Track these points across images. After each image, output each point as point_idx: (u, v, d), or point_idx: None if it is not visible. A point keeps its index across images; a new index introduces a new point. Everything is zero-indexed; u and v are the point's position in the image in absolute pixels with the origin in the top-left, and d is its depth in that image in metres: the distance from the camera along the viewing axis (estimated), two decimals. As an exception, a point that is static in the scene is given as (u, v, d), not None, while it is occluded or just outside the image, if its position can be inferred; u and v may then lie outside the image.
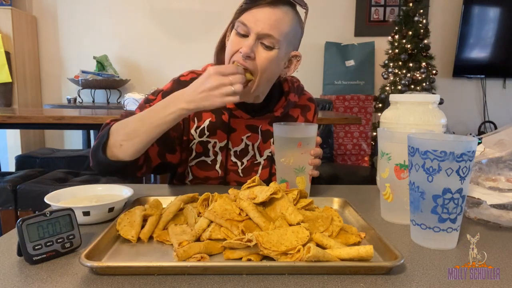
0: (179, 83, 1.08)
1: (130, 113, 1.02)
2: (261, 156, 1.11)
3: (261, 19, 0.92)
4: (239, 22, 0.95)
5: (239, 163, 1.10)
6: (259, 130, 1.11)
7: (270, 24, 0.92)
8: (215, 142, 1.08)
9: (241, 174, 1.11)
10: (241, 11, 0.97)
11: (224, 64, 1.04)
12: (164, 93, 1.07)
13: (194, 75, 1.10)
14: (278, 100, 1.12)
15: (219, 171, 1.09)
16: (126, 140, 0.90)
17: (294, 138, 0.92)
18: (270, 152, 1.11)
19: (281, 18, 0.94)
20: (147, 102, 1.07)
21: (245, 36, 0.95)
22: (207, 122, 1.09)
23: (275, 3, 0.93)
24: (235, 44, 0.96)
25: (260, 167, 1.12)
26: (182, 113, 0.87)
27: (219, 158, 1.09)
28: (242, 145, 1.10)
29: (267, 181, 1.11)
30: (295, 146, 0.91)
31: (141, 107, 1.05)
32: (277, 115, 1.10)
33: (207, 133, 1.08)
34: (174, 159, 1.09)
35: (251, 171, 1.11)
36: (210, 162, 1.09)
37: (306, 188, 0.95)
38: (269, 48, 0.94)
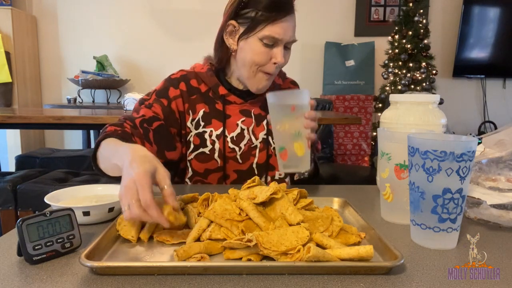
0: (170, 81, 1.14)
1: (129, 117, 1.05)
2: (256, 139, 1.14)
3: (287, 28, 1.01)
4: (265, 35, 1.00)
5: (237, 149, 1.12)
6: (252, 114, 1.15)
7: (294, 31, 1.04)
8: (211, 131, 1.11)
9: (240, 161, 1.13)
10: (260, 21, 1.00)
11: (223, 60, 1.12)
12: (158, 92, 1.12)
13: (183, 72, 1.17)
14: None
15: (218, 160, 1.11)
16: (105, 167, 0.88)
17: (287, 103, 0.93)
18: (265, 135, 1.14)
19: (295, 21, 1.04)
20: (142, 103, 1.10)
21: (272, 43, 1.02)
22: (201, 113, 1.12)
23: (292, 7, 1.03)
24: (264, 54, 1.03)
25: (257, 151, 1.14)
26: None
27: (217, 146, 1.11)
28: (238, 130, 1.13)
29: (265, 165, 1.14)
30: (289, 111, 0.92)
31: (137, 109, 1.08)
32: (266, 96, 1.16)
33: (202, 123, 1.12)
34: (175, 156, 1.11)
35: (249, 155, 1.13)
36: (208, 152, 1.11)
37: (306, 153, 0.94)
38: (289, 48, 1.07)
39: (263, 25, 1.00)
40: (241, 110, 1.14)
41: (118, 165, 0.74)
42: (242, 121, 1.13)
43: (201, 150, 1.11)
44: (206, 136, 1.11)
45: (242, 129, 1.13)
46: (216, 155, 1.11)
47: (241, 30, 1.05)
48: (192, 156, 1.12)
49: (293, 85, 1.28)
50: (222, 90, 1.12)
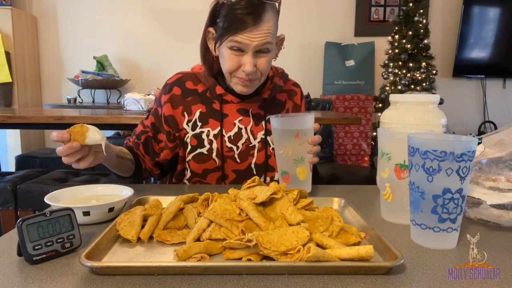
0: (164, 87, 1.16)
1: (134, 132, 1.17)
2: (255, 138, 1.14)
3: (253, 37, 0.98)
4: (232, 42, 0.99)
5: (234, 148, 1.12)
6: (250, 113, 1.15)
7: (262, 38, 0.98)
8: (209, 131, 1.12)
9: (238, 160, 1.12)
10: (225, 32, 0.99)
11: (213, 65, 1.13)
12: (157, 101, 1.17)
13: (179, 75, 1.18)
14: (264, 84, 1.18)
15: (216, 160, 1.11)
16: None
17: (291, 130, 0.93)
18: (264, 135, 1.14)
19: (267, 26, 0.99)
20: (148, 111, 1.18)
21: (240, 50, 1.00)
22: (197, 114, 1.13)
23: (257, 20, 0.97)
24: (233, 61, 1.02)
25: (256, 150, 1.14)
26: None
27: (214, 146, 1.11)
28: (235, 129, 1.13)
29: (264, 164, 1.14)
30: (293, 138, 0.92)
31: (142, 121, 1.17)
32: (265, 97, 1.16)
33: (199, 124, 1.13)
34: (161, 160, 1.16)
35: (248, 155, 1.13)
36: (206, 152, 1.11)
37: (307, 177, 0.95)
38: (265, 54, 1.02)
39: (228, 34, 0.99)
40: (238, 109, 1.14)
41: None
42: (239, 120, 1.13)
43: (198, 150, 1.11)
44: (204, 136, 1.11)
45: (240, 128, 1.13)
46: (214, 154, 1.11)
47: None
48: (190, 157, 1.12)
49: (295, 87, 1.26)
50: (219, 90, 1.12)
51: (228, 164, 1.12)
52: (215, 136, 1.11)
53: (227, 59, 1.03)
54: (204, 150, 1.11)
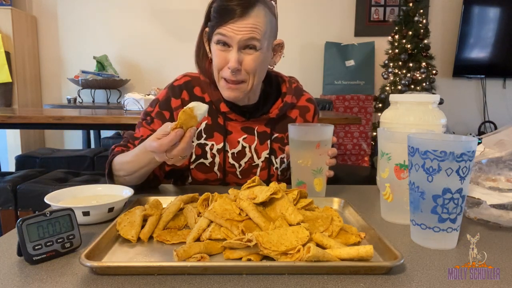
0: (173, 89, 1.10)
1: (131, 137, 1.09)
2: (258, 158, 1.11)
3: (238, 29, 0.95)
4: (218, 35, 0.97)
5: (237, 165, 1.10)
6: (255, 132, 1.11)
7: (247, 32, 0.95)
8: (213, 145, 1.09)
9: (239, 176, 1.11)
10: (214, 25, 0.98)
11: (208, 71, 1.09)
12: (161, 104, 1.10)
13: (187, 78, 1.12)
14: (274, 101, 1.13)
15: (218, 173, 1.10)
16: (128, 175, 0.99)
17: (312, 140, 0.92)
18: (268, 154, 1.11)
19: (255, 22, 0.95)
20: (144, 118, 1.10)
21: (226, 45, 0.97)
22: (203, 125, 1.09)
23: (245, 12, 0.94)
24: (220, 58, 0.98)
25: (259, 169, 1.11)
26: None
27: (217, 160, 1.09)
28: (239, 147, 1.10)
29: (265, 183, 1.10)
30: (314, 148, 0.91)
31: (139, 125, 1.10)
32: (272, 116, 1.10)
33: (204, 135, 1.09)
34: (173, 166, 1.11)
35: (250, 173, 1.11)
36: (208, 165, 1.09)
37: (323, 189, 0.95)
38: (252, 51, 0.97)
39: (215, 28, 0.97)
40: (242, 128, 1.10)
41: (144, 154, 0.92)
42: (243, 139, 1.10)
43: (201, 160, 1.09)
44: (207, 148, 1.09)
45: (244, 147, 1.10)
46: (216, 168, 1.09)
47: None
48: (192, 165, 1.10)
49: (309, 103, 1.18)
50: (223, 107, 1.07)
51: (229, 178, 1.11)
52: (218, 150, 1.09)
53: (215, 57, 0.99)
54: (206, 162, 1.09)
